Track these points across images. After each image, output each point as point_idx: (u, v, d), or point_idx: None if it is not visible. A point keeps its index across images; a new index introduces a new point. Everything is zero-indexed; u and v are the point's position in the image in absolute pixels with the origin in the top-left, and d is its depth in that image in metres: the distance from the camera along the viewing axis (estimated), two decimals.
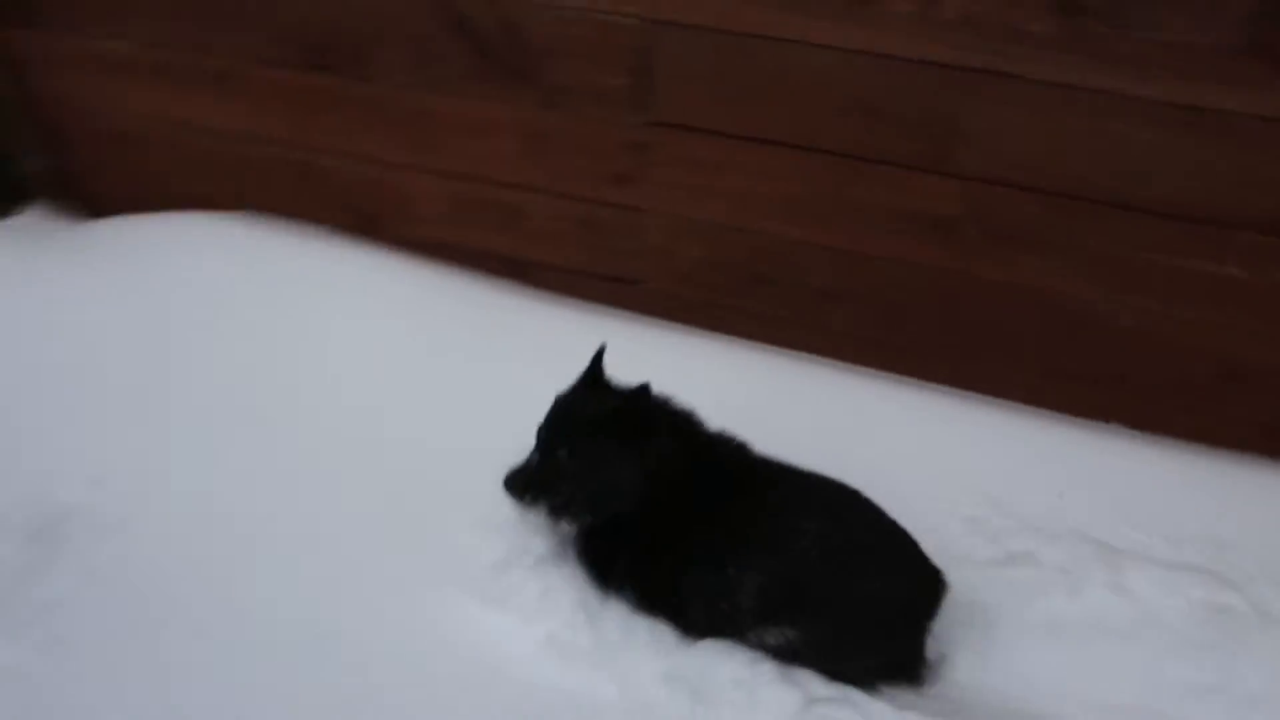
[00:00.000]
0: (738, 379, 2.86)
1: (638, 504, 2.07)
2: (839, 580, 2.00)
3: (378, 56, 3.05)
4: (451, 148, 3.17)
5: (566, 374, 2.24)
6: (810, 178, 2.84)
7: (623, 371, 2.24)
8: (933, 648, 2.15)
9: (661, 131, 2.90)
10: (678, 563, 2.07)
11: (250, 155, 3.46)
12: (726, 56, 2.70)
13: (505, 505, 2.16)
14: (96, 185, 3.78)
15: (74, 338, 2.87)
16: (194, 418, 2.62)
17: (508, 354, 2.96)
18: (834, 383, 2.99)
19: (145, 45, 3.34)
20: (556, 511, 2.16)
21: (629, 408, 2.05)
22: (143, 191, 3.63)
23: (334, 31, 3.06)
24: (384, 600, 2.14)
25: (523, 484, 2.12)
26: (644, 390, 2.05)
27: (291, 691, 1.91)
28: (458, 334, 3.08)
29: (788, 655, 2.03)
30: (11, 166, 3.72)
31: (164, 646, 1.98)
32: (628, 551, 2.12)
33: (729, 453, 2.18)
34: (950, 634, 2.16)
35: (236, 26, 3.18)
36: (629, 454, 2.05)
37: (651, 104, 2.86)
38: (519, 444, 2.17)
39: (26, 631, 1.94)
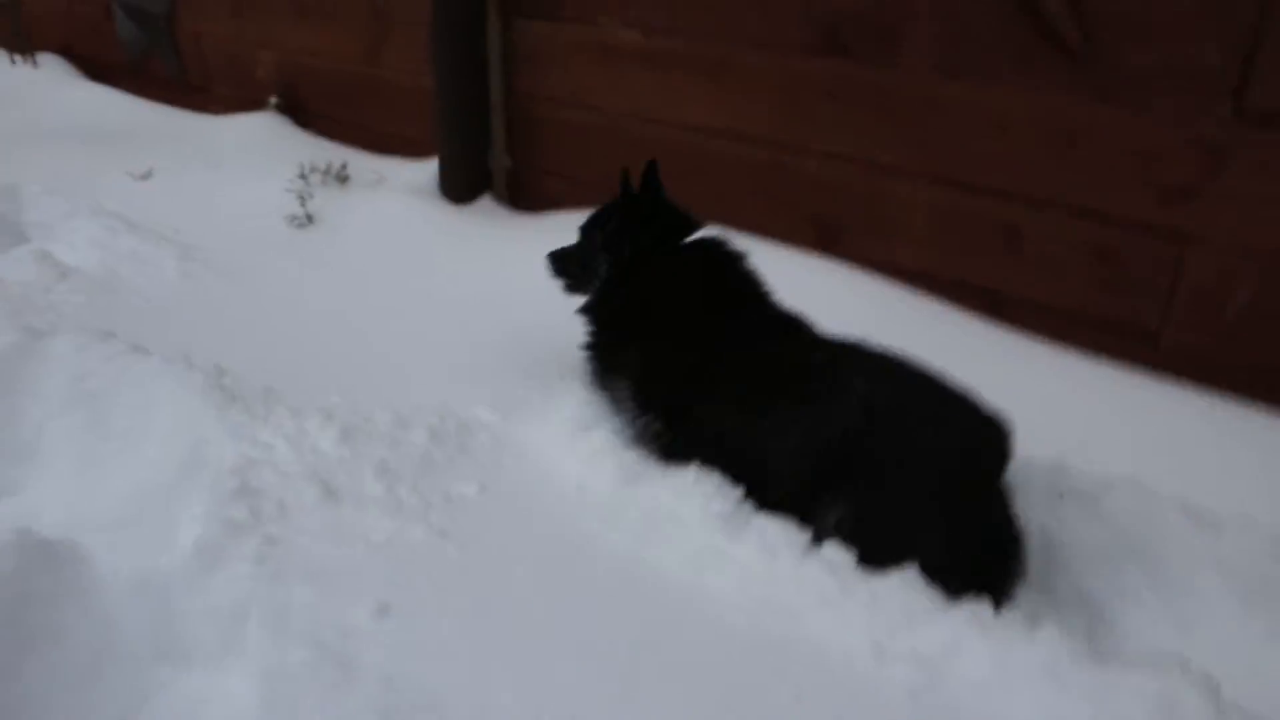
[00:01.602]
0: None
1: (604, 287, 2.38)
2: (880, 434, 1.83)
3: (907, 36, 2.79)
4: (955, 145, 2.79)
5: (1053, 442, 2.12)
6: None
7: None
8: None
9: (1252, 129, 2.32)
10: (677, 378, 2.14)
11: (716, 153, 3.31)
12: None
13: None
14: (548, 184, 3.83)
15: (491, 291, 3.20)
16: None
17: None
18: None
19: (652, 33, 3.36)
20: (569, 289, 2.53)
21: (626, 206, 2.36)
22: (592, 189, 3.60)
23: (859, 8, 2.86)
24: None
25: (552, 260, 2.55)
26: (649, 174, 2.33)
27: None
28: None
29: (848, 538, 1.82)
30: (480, 161, 3.90)
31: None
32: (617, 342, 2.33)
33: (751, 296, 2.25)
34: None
35: (743, 5, 3.09)
36: (601, 238, 2.38)
37: (1247, 90, 2.30)
38: None
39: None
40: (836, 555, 1.83)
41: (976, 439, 1.85)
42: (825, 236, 3.14)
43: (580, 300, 2.48)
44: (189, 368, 2.40)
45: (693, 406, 2.10)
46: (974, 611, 1.71)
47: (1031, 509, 2.11)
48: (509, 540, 1.93)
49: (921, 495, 1.80)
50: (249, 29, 4.99)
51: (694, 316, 2.19)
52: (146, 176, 4.20)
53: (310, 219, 3.72)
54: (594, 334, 2.38)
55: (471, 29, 3.75)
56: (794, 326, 2.17)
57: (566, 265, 2.50)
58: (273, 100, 4.86)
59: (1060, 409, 2.38)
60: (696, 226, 2.37)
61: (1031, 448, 2.19)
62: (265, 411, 2.29)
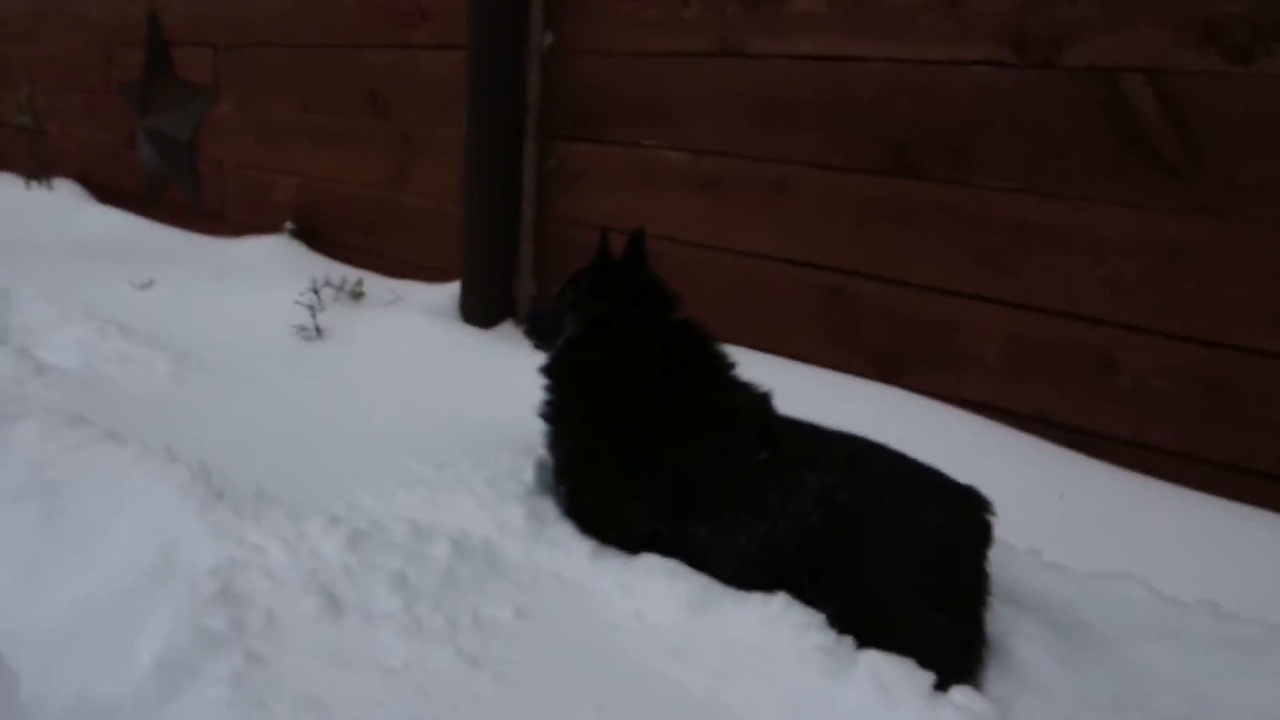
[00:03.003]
0: None
1: (565, 347, 2.19)
2: (859, 541, 1.71)
3: (980, 153, 2.62)
4: (1038, 268, 2.57)
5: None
6: None
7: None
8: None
9: None
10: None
11: (768, 279, 3.09)
12: None
13: None
14: None
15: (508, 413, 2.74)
16: None
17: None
18: None
19: (702, 154, 3.22)
20: (536, 344, 2.36)
21: (597, 271, 2.19)
22: None
23: (927, 124, 2.71)
24: None
25: (526, 319, 2.45)
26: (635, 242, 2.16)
27: None
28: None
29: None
30: (505, 287, 3.71)
31: None
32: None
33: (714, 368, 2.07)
34: None
35: (803, 125, 2.96)
36: (575, 303, 2.20)
37: None
38: None
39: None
40: (971, 701, 1.46)
41: (960, 513, 1.75)
42: (885, 369, 2.87)
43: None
44: (170, 460, 2.04)
45: (621, 504, 1.94)
46: None
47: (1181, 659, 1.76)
48: (556, 673, 1.54)
49: (912, 589, 1.69)
50: (271, 155, 4.90)
51: (638, 395, 2.01)
52: (147, 286, 3.94)
53: (320, 332, 3.44)
54: (549, 397, 2.21)
55: (507, 151, 3.61)
56: (751, 413, 1.96)
57: (539, 322, 2.35)
58: (288, 225, 4.69)
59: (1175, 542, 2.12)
60: (676, 306, 2.16)
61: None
62: (257, 512, 1.91)
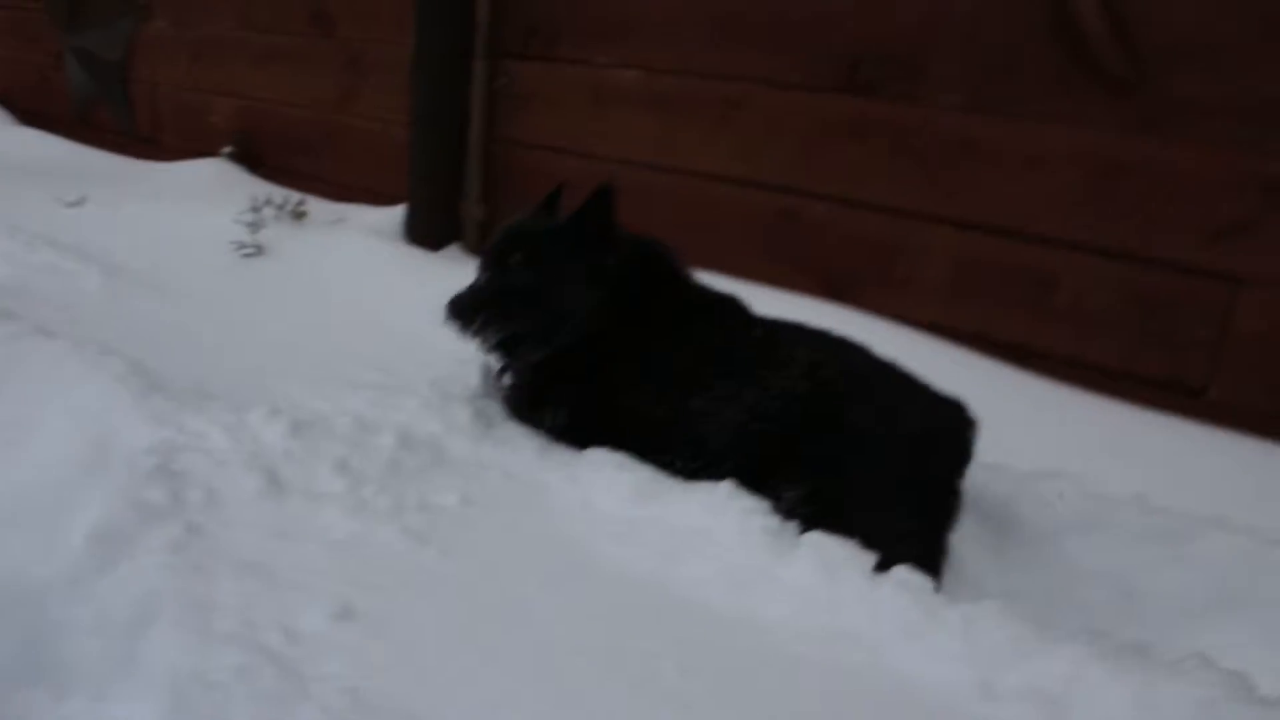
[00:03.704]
0: None
1: (590, 332, 1.89)
2: (843, 418, 1.74)
3: (930, 70, 2.64)
4: (985, 187, 2.60)
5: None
6: None
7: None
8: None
9: None
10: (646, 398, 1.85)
11: (721, 201, 3.09)
12: None
13: None
14: None
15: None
16: None
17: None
18: None
19: (650, 73, 3.19)
20: (506, 344, 1.97)
21: (592, 215, 1.92)
22: None
23: (879, 41, 2.72)
24: None
25: (471, 307, 1.92)
26: (605, 197, 1.91)
27: None
28: None
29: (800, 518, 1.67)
30: (452, 209, 3.68)
31: None
32: (580, 393, 1.92)
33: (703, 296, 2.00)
34: None
35: (754, 44, 2.95)
36: (586, 266, 1.90)
37: None
38: None
39: None
40: (914, 579, 1.51)
41: (944, 420, 1.80)
42: (835, 288, 2.90)
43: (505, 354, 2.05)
44: (104, 353, 1.99)
45: (614, 396, 1.92)
46: (1092, 639, 1.41)
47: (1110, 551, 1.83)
48: (502, 553, 1.55)
49: (888, 480, 1.73)
50: (209, 75, 4.74)
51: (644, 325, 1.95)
52: (78, 204, 3.81)
53: (260, 249, 3.36)
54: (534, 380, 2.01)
55: (454, 70, 3.54)
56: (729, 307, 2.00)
57: (501, 310, 1.94)
58: (227, 149, 4.56)
59: (1110, 450, 2.19)
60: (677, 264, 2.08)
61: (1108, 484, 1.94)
62: (197, 404, 1.88)
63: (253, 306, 2.91)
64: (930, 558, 1.70)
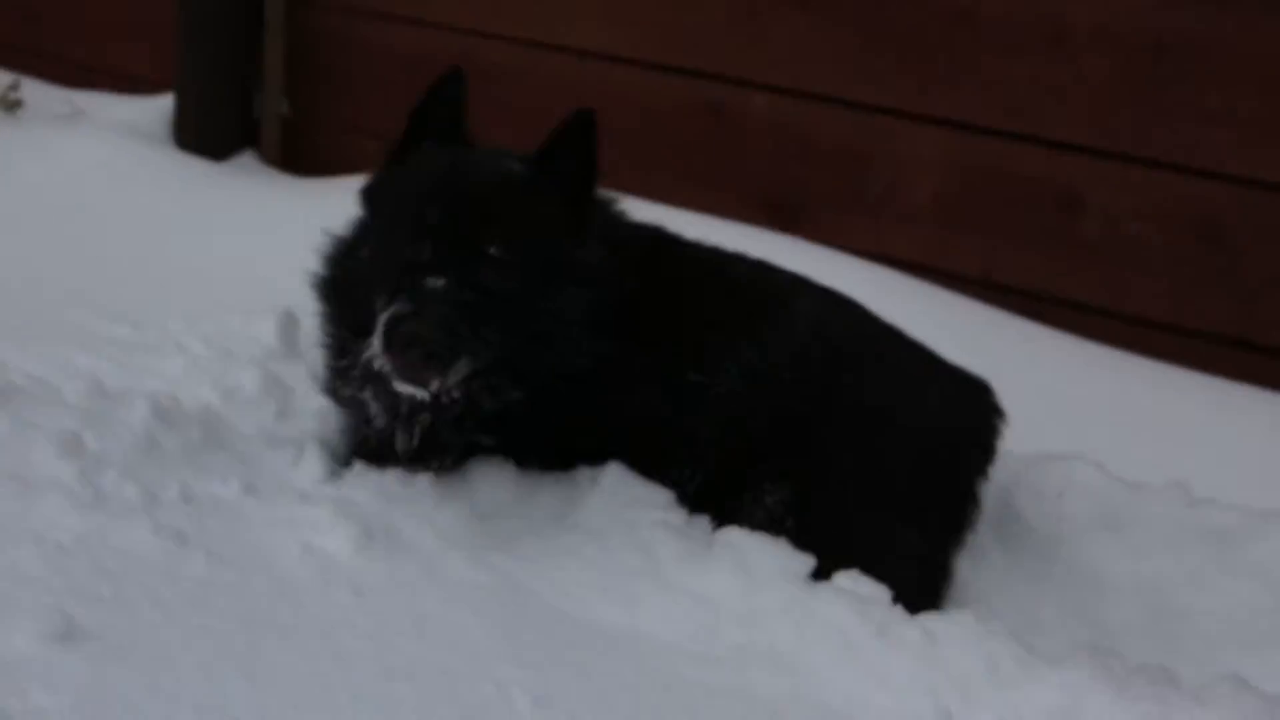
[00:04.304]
0: None
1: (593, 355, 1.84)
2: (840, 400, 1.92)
3: None
4: (987, 75, 2.75)
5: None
6: None
7: None
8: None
9: None
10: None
11: (617, 93, 3.17)
12: None
13: None
14: (345, 141, 3.65)
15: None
16: None
17: None
18: None
19: None
20: (481, 378, 1.77)
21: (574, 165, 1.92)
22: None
23: None
24: None
25: (446, 341, 1.67)
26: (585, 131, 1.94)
27: None
28: None
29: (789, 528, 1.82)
30: (243, 104, 3.73)
31: None
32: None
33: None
34: None
35: None
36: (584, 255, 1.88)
37: None
38: None
39: None
40: (859, 585, 1.68)
41: (964, 408, 1.97)
42: (782, 213, 3.01)
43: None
44: None
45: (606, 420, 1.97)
46: (1096, 661, 1.56)
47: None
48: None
49: (893, 477, 1.88)
50: None
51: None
52: None
53: None
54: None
55: None
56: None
57: (479, 334, 1.74)
58: None
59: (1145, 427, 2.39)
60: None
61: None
62: None
63: None
64: (930, 583, 1.86)
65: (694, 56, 3.09)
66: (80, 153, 3.46)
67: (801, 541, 1.78)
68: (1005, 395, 2.06)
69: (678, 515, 1.79)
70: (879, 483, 1.89)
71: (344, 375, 1.89)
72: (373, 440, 1.91)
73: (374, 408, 1.86)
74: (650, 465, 1.90)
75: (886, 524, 1.86)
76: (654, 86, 3.15)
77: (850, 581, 1.67)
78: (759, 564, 1.68)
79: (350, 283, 1.88)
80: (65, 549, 1.53)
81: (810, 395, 1.91)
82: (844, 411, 1.92)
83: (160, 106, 3.76)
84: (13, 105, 3.67)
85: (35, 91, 3.85)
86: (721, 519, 1.83)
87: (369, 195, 1.93)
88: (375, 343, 1.67)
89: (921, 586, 1.81)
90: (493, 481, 1.88)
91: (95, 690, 1.29)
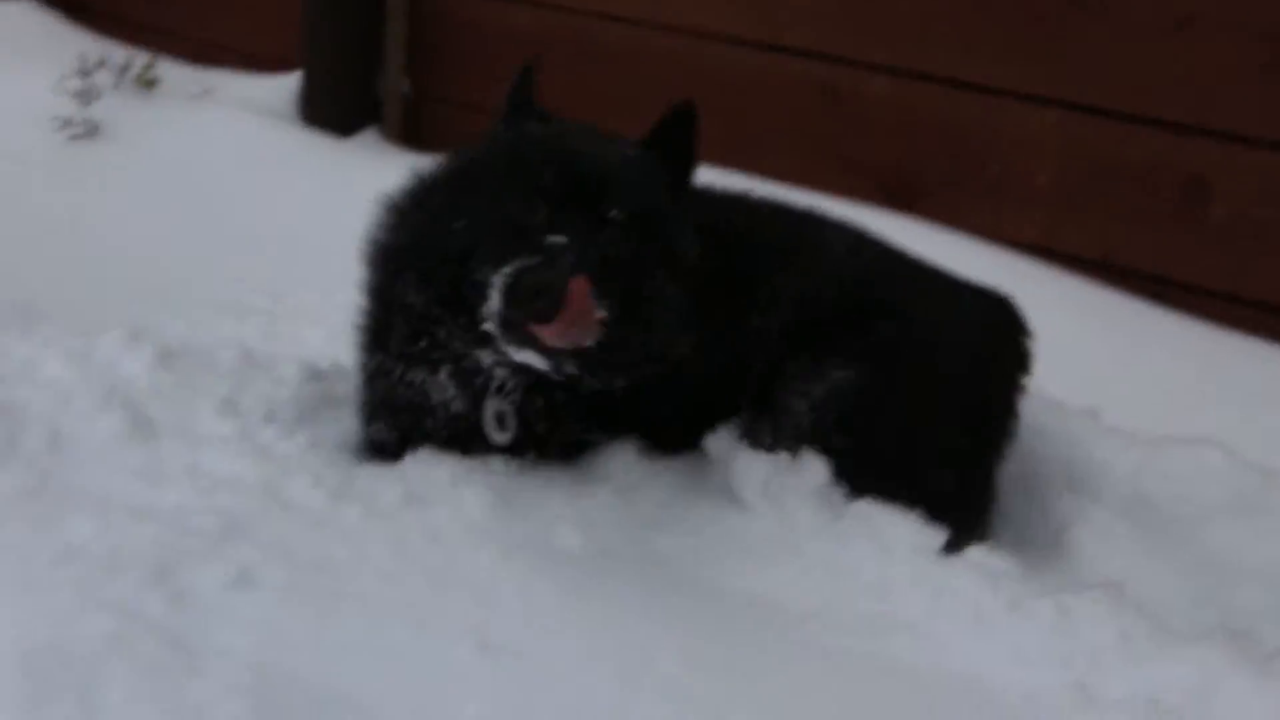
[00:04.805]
0: None
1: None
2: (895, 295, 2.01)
3: None
4: (1109, 56, 2.75)
5: None
6: None
7: None
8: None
9: None
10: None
11: (744, 73, 3.21)
12: None
13: None
14: (464, 119, 3.73)
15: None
16: None
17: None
18: None
19: None
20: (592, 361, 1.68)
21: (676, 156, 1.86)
22: None
23: None
24: None
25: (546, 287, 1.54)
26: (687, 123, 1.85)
27: None
28: None
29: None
30: (366, 83, 3.82)
31: None
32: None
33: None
34: None
35: None
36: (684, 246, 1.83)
37: None
38: None
39: None
40: (990, 559, 1.71)
41: (996, 321, 2.04)
42: (900, 194, 3.03)
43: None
44: None
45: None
46: (1232, 642, 1.57)
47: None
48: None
49: (938, 384, 1.96)
50: None
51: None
52: None
53: (95, 129, 3.49)
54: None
55: None
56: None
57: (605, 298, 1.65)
58: None
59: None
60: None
61: None
62: (25, 326, 2.02)
63: (85, 207, 3.05)
64: (975, 491, 1.95)
65: (813, 39, 3.11)
66: (213, 129, 3.59)
67: (849, 444, 1.85)
68: (1126, 378, 2.08)
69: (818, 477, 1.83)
70: (924, 390, 1.95)
71: (417, 358, 1.79)
72: (442, 432, 1.83)
73: (451, 390, 1.79)
74: (721, 415, 1.98)
75: (932, 430, 1.94)
76: (772, 67, 3.19)
77: (982, 555, 1.69)
78: (891, 536, 1.71)
79: (433, 248, 1.75)
80: (233, 500, 1.62)
81: (853, 308, 1.98)
82: (886, 320, 1.96)
83: (286, 85, 3.88)
84: (150, 83, 3.81)
85: (169, 70, 3.98)
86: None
87: (466, 164, 1.85)
88: (493, 298, 1.55)
89: (965, 494, 1.87)
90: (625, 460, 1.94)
91: (277, 632, 1.38)
